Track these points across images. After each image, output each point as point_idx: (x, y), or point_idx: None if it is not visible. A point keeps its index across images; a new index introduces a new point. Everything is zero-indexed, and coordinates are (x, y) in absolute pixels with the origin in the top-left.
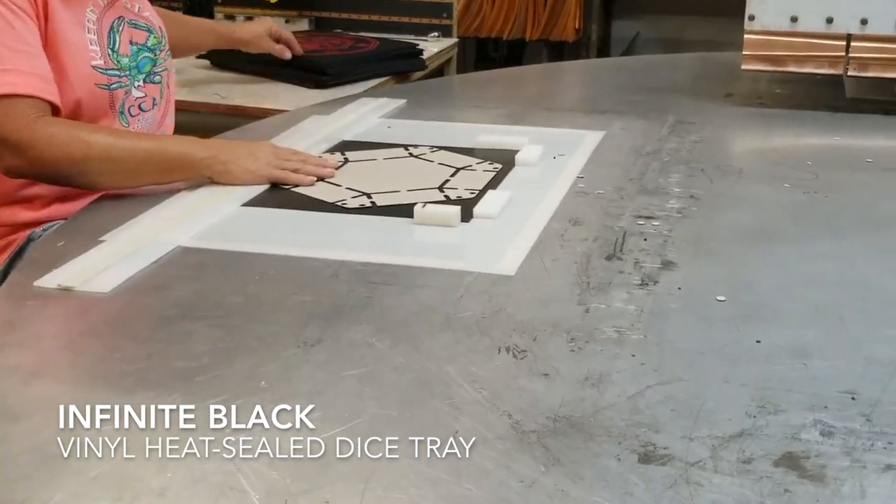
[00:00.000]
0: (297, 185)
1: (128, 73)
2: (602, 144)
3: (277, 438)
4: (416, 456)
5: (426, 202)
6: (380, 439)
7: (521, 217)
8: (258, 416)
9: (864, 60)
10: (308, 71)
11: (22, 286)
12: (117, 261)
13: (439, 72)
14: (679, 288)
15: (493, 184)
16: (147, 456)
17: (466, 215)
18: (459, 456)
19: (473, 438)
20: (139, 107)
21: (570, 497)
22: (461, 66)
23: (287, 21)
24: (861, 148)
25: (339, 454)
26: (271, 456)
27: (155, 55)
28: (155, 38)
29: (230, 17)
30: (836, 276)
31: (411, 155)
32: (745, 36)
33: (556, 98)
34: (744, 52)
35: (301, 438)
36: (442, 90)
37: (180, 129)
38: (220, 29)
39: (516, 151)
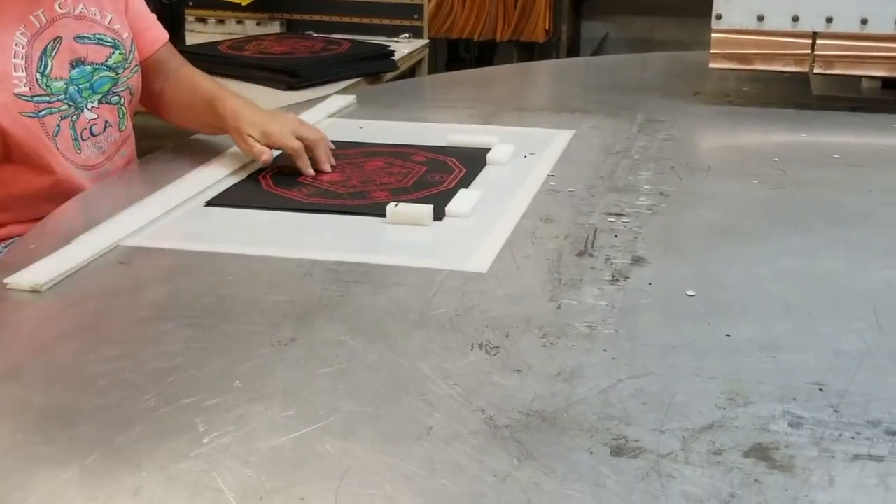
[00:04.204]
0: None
1: (62, 97)
2: (572, 143)
3: (252, 437)
4: (391, 452)
5: (398, 201)
6: (354, 436)
7: (493, 215)
8: (233, 415)
9: (829, 58)
10: (279, 73)
11: None
12: (88, 262)
13: (411, 72)
14: (650, 284)
15: (465, 182)
16: (120, 455)
17: (439, 214)
18: (433, 451)
19: (447, 434)
20: (90, 130)
21: (544, 490)
22: (432, 67)
23: (259, 24)
24: (828, 144)
25: (314, 452)
26: (246, 454)
27: (116, 74)
28: (120, 54)
29: (201, 20)
30: (804, 272)
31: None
32: (713, 35)
33: (526, 98)
34: (711, 51)
35: (276, 437)
36: (413, 91)
37: (151, 129)
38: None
39: (487, 150)
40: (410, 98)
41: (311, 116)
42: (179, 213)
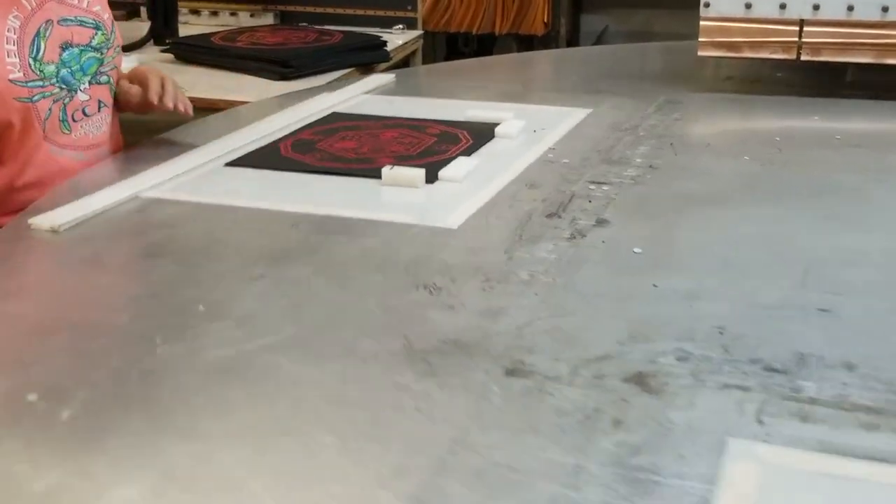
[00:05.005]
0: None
1: (54, 80)
2: (586, 121)
3: (201, 349)
4: (314, 364)
5: (394, 164)
6: (287, 353)
7: (483, 181)
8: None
9: (816, 45)
10: (272, 63)
11: (16, 228)
12: (106, 209)
13: (405, 63)
14: (603, 241)
15: (468, 152)
16: (87, 358)
17: (432, 178)
18: (350, 366)
19: (367, 354)
20: (83, 111)
21: (432, 399)
22: (430, 61)
23: (252, 15)
24: (836, 129)
25: (250, 363)
26: (192, 362)
27: (101, 54)
28: (103, 34)
29: (195, 13)
30: (757, 236)
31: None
32: (701, 23)
33: (554, 80)
34: (700, 39)
35: (221, 349)
36: (450, 71)
37: (143, 123)
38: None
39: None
40: (446, 78)
41: (348, 93)
42: (200, 172)
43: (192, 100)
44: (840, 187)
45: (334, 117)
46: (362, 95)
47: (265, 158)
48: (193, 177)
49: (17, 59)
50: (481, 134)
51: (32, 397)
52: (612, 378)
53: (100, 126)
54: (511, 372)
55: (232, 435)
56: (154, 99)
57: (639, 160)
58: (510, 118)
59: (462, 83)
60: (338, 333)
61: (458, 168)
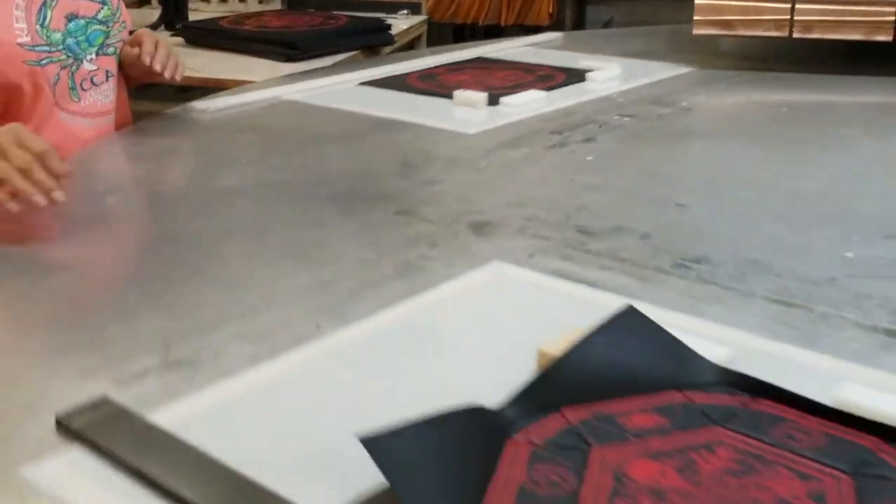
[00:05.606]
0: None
1: (61, 47)
2: (679, 77)
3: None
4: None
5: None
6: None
7: (535, 107)
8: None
9: (808, 23)
10: (278, 45)
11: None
12: (250, 102)
13: (409, 47)
14: (573, 152)
15: (549, 88)
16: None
17: (494, 102)
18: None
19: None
20: (91, 80)
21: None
22: None
23: (261, 1)
24: (852, 102)
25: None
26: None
27: (108, 27)
28: (108, 9)
29: (205, 0)
30: (738, 168)
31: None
32: (696, 2)
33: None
34: (695, 18)
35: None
36: (616, 36)
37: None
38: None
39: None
40: (608, 42)
41: (510, 44)
42: (336, 88)
43: (203, 80)
44: (833, 138)
45: (479, 61)
46: (526, 47)
47: (391, 82)
48: (327, 90)
49: (25, 25)
50: (574, 76)
51: None
52: (537, 224)
53: (107, 95)
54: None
55: None
56: (146, 60)
57: (671, 99)
58: (611, 68)
59: (611, 46)
60: (316, 177)
61: (521, 96)
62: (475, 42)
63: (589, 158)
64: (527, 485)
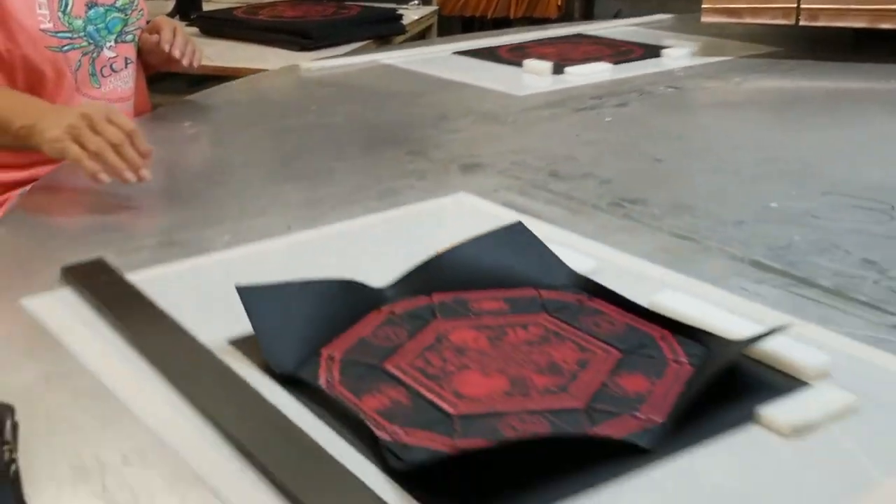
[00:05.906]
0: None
1: (82, 34)
2: (737, 60)
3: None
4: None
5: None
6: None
7: (596, 77)
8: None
9: (813, 11)
10: (292, 34)
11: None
12: (350, 65)
13: (420, 37)
14: (608, 119)
15: (622, 62)
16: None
17: (560, 71)
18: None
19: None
20: (111, 67)
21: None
22: None
23: None
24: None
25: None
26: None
27: (126, 14)
28: None
29: None
30: (730, 138)
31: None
32: None
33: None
34: (703, 6)
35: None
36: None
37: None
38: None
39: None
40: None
41: (616, 22)
42: (431, 56)
43: (218, 69)
44: (846, 111)
45: (575, 37)
46: (631, 28)
47: (483, 53)
48: (423, 59)
49: (48, 12)
50: (650, 52)
51: None
52: (523, 171)
53: (127, 81)
54: (464, 168)
55: None
56: (165, 47)
57: (715, 73)
58: (687, 46)
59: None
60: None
61: (586, 67)
62: (583, 21)
63: (608, 119)
64: (367, 338)
